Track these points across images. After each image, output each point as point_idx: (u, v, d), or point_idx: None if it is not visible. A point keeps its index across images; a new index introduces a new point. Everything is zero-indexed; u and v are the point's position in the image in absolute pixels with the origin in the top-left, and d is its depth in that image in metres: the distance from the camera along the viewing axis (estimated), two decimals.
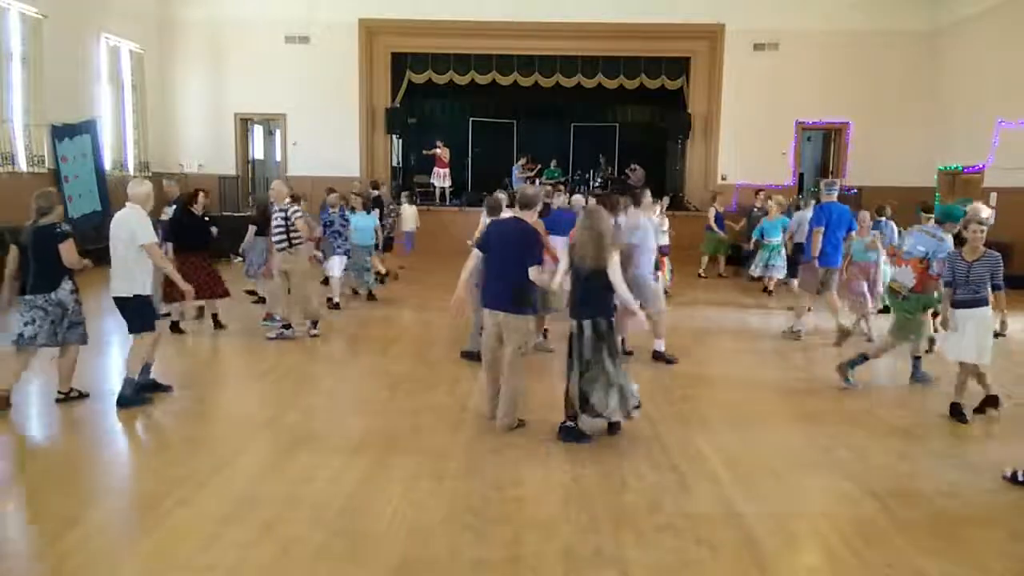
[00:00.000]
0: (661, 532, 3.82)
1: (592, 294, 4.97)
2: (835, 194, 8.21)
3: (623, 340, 6.89)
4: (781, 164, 16.43)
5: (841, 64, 15.90)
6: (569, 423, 5.09)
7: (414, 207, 13.70)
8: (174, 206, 8.76)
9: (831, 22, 15.81)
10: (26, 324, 5.43)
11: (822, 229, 7.96)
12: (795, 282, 10.16)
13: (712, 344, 8.25)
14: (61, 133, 12.60)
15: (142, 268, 5.66)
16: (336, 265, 9.55)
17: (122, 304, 5.68)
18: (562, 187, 17.42)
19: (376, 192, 12.15)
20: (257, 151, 18.32)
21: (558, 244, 6.59)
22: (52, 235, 5.44)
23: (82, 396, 5.76)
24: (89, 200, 13.05)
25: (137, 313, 5.71)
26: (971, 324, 5.44)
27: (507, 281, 5.16)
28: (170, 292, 7.43)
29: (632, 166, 17.78)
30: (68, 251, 5.43)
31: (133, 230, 5.56)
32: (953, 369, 5.79)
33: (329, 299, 9.53)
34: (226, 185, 16.08)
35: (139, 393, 5.73)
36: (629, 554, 3.60)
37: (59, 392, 5.68)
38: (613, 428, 5.21)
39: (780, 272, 10.97)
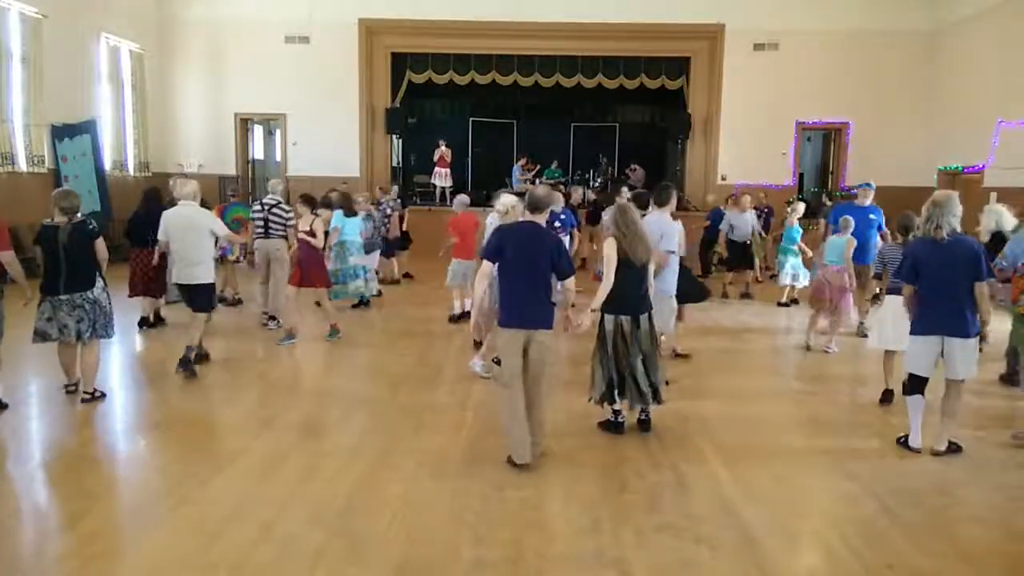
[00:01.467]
0: (661, 532, 3.82)
1: (645, 289, 5.16)
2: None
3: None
4: (781, 164, 16.43)
5: (841, 64, 15.90)
6: (619, 418, 5.22)
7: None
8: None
9: (831, 22, 15.80)
10: (77, 322, 5.56)
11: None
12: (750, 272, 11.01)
13: (713, 344, 8.25)
14: (61, 133, 12.60)
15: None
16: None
17: (203, 289, 6.55)
18: (563, 187, 17.47)
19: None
20: (257, 151, 18.31)
21: None
22: (88, 232, 5.58)
23: (102, 395, 5.82)
24: (89, 200, 13.03)
25: (209, 295, 6.66)
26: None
27: (540, 294, 4.59)
28: (150, 287, 8.17)
29: (632, 166, 17.82)
30: (103, 247, 5.68)
31: (211, 226, 6.54)
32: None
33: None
34: (226, 185, 16.03)
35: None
36: (629, 554, 3.60)
37: (84, 392, 5.72)
38: (644, 425, 5.28)
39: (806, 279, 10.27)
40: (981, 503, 4.28)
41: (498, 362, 4.68)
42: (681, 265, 6.77)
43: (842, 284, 7.62)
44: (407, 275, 12.12)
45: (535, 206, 4.77)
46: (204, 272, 6.51)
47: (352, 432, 5.22)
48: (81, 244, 5.56)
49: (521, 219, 5.05)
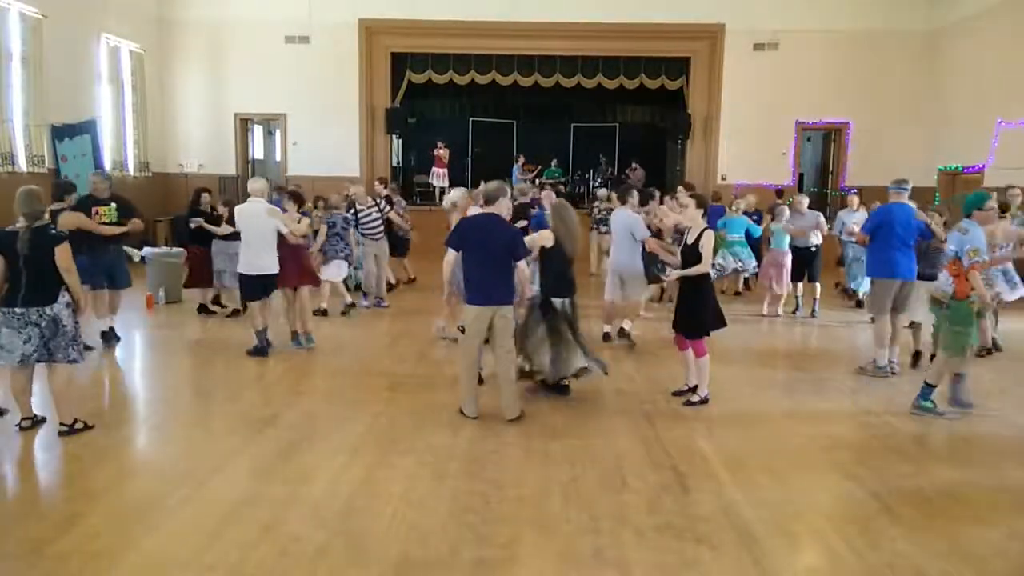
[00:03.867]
0: (661, 532, 3.82)
1: (568, 275, 6.04)
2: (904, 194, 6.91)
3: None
4: (781, 164, 16.43)
5: (841, 64, 15.90)
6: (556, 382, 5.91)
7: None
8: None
9: (831, 22, 15.79)
10: (24, 342, 4.88)
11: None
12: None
13: (713, 344, 8.23)
14: (61, 133, 12.58)
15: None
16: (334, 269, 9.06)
17: (268, 279, 7.19)
18: (562, 187, 17.48)
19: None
20: (257, 151, 18.32)
21: None
22: (49, 239, 4.95)
23: (87, 428, 5.12)
24: None
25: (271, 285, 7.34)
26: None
27: (499, 276, 5.34)
28: (194, 279, 9.11)
29: (632, 166, 17.84)
30: (65, 255, 4.98)
31: (277, 223, 7.18)
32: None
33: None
34: (226, 185, 16.07)
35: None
36: (629, 554, 3.60)
37: (61, 425, 5.04)
38: (563, 389, 5.97)
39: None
40: (982, 502, 4.27)
41: (463, 330, 5.45)
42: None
43: (785, 264, 9.50)
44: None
45: (487, 199, 5.59)
46: (273, 262, 7.17)
47: (352, 432, 5.22)
48: (40, 253, 4.88)
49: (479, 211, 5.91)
